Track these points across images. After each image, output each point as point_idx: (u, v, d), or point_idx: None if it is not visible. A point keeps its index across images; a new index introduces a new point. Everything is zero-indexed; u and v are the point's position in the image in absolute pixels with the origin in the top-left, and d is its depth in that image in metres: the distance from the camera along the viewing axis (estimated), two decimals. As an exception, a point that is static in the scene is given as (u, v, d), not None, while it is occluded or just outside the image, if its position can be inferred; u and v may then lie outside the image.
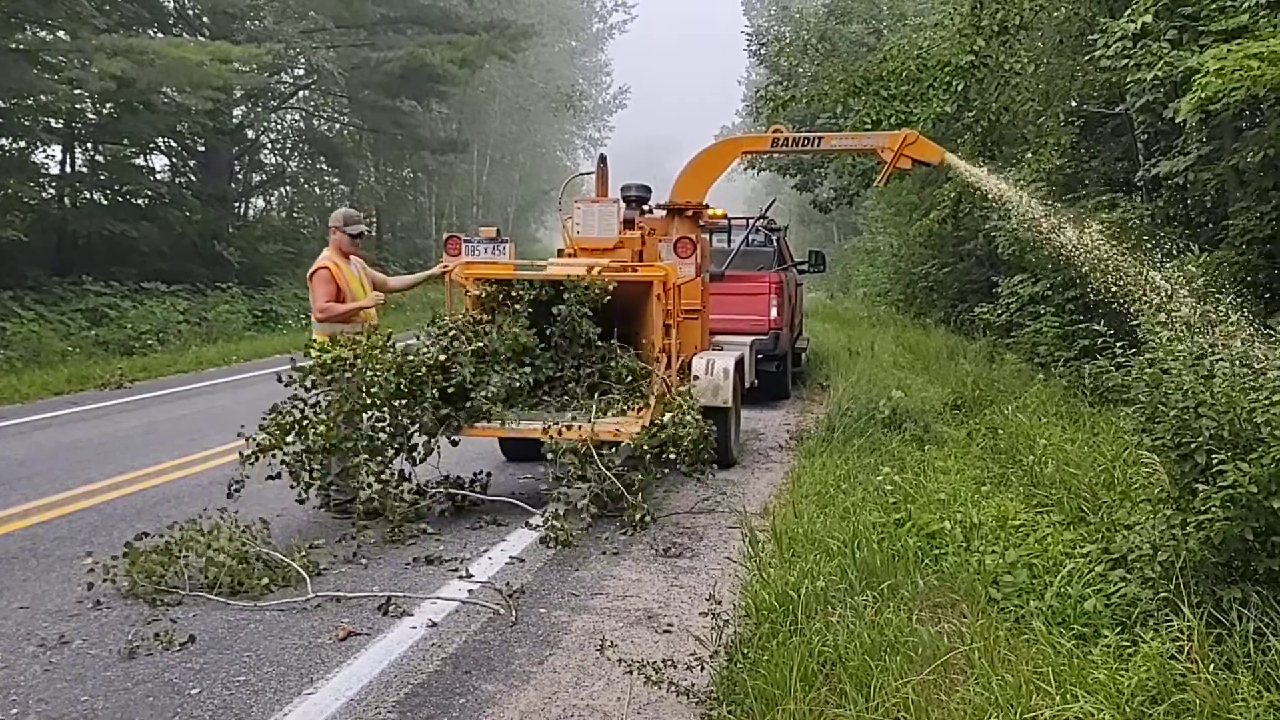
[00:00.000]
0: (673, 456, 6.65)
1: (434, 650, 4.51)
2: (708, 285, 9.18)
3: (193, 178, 24.63)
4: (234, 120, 25.56)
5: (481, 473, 7.34)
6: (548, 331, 7.32)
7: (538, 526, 6.44)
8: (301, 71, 27.71)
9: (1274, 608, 3.70)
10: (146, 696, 4.03)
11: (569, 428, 6.71)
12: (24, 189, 18.56)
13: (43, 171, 20.30)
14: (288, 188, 31.62)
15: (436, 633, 4.71)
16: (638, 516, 6.44)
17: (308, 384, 6.31)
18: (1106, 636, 3.86)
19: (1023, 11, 11.06)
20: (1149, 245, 10.46)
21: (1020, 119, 12.92)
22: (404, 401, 6.51)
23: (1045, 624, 4.05)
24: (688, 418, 6.79)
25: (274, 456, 6.23)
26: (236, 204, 27.07)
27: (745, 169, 27.11)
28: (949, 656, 3.75)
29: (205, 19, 23.69)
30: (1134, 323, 4.71)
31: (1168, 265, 8.96)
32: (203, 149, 24.44)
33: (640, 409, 7.06)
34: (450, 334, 6.91)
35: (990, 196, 9.74)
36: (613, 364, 7.40)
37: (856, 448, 8.02)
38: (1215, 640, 3.67)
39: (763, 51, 26.31)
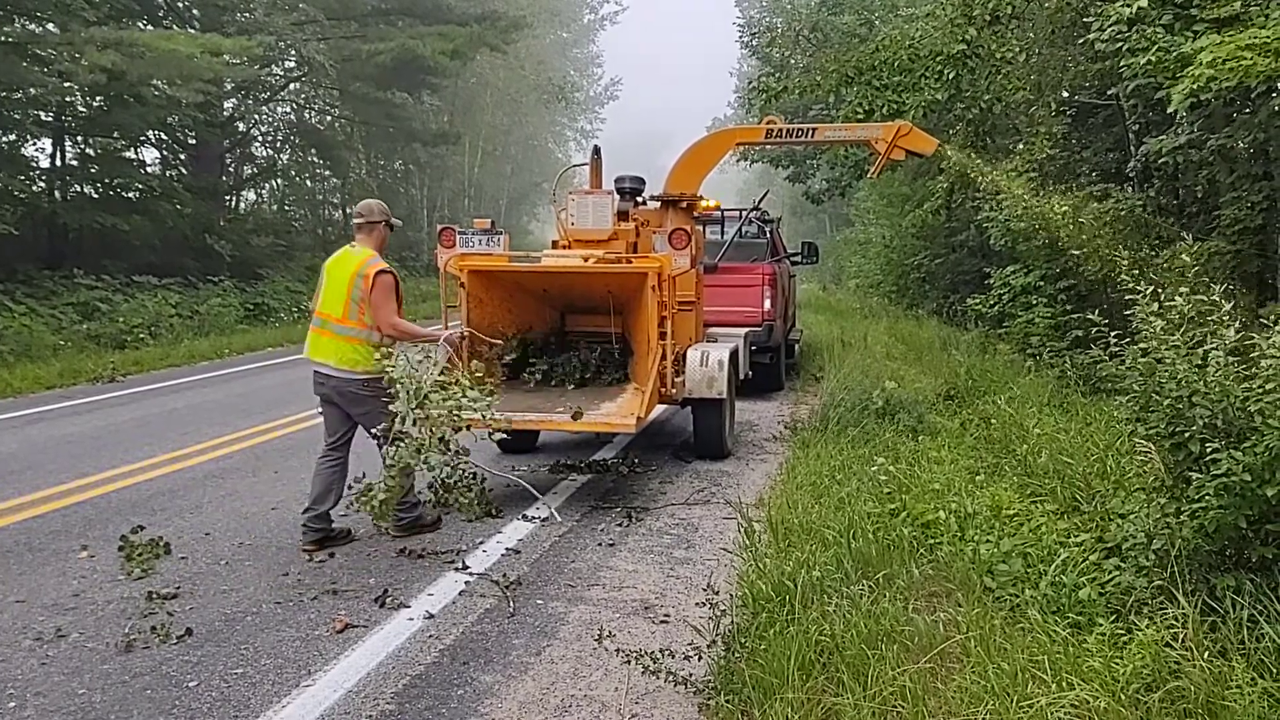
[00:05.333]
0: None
1: (431, 642, 4.52)
2: (702, 277, 9.18)
3: (184, 171, 24.48)
4: (225, 113, 25.43)
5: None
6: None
7: (533, 519, 6.46)
8: (292, 64, 27.52)
9: (1267, 595, 3.73)
10: (144, 689, 4.03)
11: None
12: (14, 182, 18.41)
13: (33, 165, 20.14)
14: (279, 180, 31.49)
15: (434, 624, 4.72)
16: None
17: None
18: (1101, 624, 3.89)
19: (1014, 1, 11.09)
20: (1141, 235, 10.52)
21: (1012, 109, 12.94)
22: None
23: (1040, 612, 4.07)
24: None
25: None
26: (228, 197, 26.92)
27: (738, 160, 27.18)
28: (945, 645, 3.77)
29: (195, 11, 23.53)
30: (1127, 312, 4.73)
31: (1160, 254, 9.01)
32: (193, 142, 24.30)
33: (635, 400, 7.08)
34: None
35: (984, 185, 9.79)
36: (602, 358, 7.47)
37: (850, 438, 8.04)
38: (1209, 627, 3.70)
39: (754, 43, 26.28)
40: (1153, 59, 7.96)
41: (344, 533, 6.04)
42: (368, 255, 5.95)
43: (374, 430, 5.86)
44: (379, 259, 5.96)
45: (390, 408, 5.68)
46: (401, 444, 5.57)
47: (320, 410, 6.19)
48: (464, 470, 6.05)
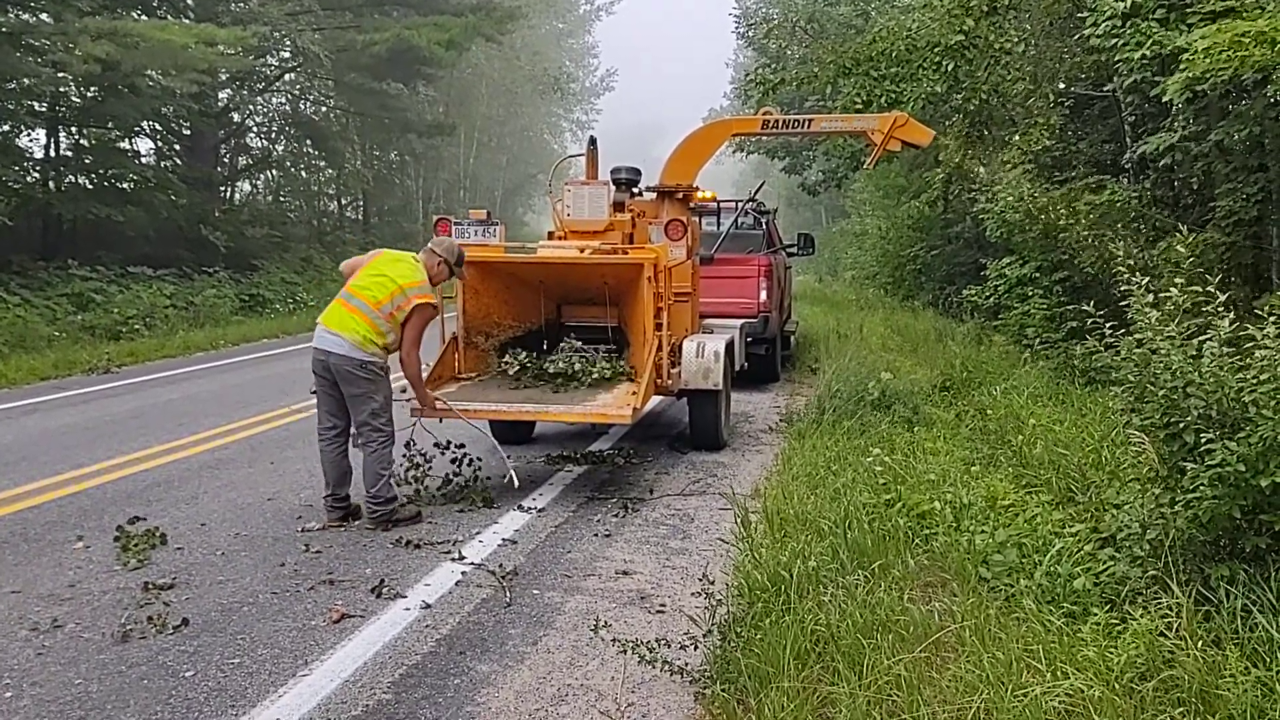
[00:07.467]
0: None
1: (428, 632, 4.52)
2: (698, 268, 9.17)
3: (178, 161, 24.40)
4: (219, 104, 25.35)
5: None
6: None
7: (530, 509, 6.47)
8: (287, 54, 27.43)
9: (1261, 585, 3.75)
10: (141, 679, 4.03)
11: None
12: (8, 173, 18.36)
13: (27, 155, 20.09)
14: (274, 171, 31.39)
15: (430, 614, 4.72)
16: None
17: None
18: (1096, 614, 3.90)
19: (1012, -9, 11.10)
20: (1136, 227, 10.53)
21: (1009, 100, 12.94)
22: None
23: (1035, 602, 4.08)
24: None
25: None
26: (223, 188, 26.84)
27: (734, 152, 27.15)
28: (940, 635, 3.78)
29: (189, 1, 23.42)
30: (1122, 304, 4.74)
31: (1156, 247, 9.02)
32: (188, 132, 24.21)
33: (631, 391, 7.09)
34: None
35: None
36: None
37: (846, 429, 8.05)
38: (1203, 617, 3.71)
39: (751, 34, 26.26)
40: (1147, 53, 7.97)
41: (357, 508, 6.26)
42: (424, 279, 6.28)
43: (361, 413, 6.08)
44: (430, 290, 6.31)
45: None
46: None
47: (314, 391, 6.25)
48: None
